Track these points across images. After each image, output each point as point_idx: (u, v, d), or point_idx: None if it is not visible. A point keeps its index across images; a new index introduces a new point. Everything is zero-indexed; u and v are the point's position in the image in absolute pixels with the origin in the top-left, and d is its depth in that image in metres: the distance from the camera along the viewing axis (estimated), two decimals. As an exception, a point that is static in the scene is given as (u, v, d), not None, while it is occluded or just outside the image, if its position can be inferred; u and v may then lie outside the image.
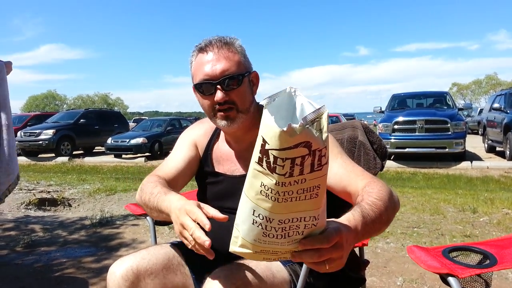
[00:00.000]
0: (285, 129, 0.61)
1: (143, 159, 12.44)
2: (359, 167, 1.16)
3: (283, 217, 0.70)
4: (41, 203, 5.20)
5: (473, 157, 10.26)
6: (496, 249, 1.09)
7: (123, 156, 13.06)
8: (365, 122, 1.72)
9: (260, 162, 0.66)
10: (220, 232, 1.28)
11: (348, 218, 0.85)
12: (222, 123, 1.21)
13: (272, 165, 0.64)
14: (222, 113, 1.19)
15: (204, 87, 1.19)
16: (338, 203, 1.13)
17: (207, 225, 0.86)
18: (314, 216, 0.71)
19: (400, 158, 9.65)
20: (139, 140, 12.85)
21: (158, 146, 13.36)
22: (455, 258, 1.05)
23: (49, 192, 5.99)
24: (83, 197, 5.69)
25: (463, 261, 1.03)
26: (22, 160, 13.09)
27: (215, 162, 1.35)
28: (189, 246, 0.92)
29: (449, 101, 10.91)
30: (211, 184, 1.34)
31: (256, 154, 0.67)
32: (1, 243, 3.56)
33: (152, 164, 11.26)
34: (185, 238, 0.92)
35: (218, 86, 1.17)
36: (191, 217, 0.90)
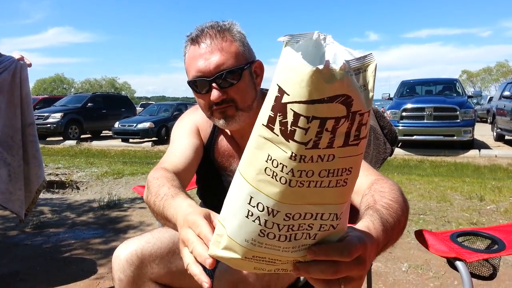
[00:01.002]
0: (321, 67, 0.41)
1: (150, 143, 12.49)
2: (365, 163, 1.02)
3: (293, 210, 0.49)
4: (50, 186, 5.24)
5: (482, 145, 10.18)
6: (505, 234, 1.09)
7: (130, 140, 13.13)
8: (375, 107, 1.70)
9: (270, 124, 0.46)
10: None
11: (369, 227, 0.66)
12: (220, 122, 1.10)
13: (289, 128, 0.44)
14: (219, 111, 1.08)
15: (198, 84, 1.07)
16: None
17: (203, 253, 0.62)
18: (336, 213, 0.51)
19: (407, 145, 9.60)
20: (146, 124, 12.89)
21: (165, 130, 13.40)
22: (463, 243, 1.05)
23: (57, 175, 6.04)
24: (91, 180, 5.74)
25: (471, 246, 1.03)
26: (31, 143, 13.19)
27: (219, 156, 1.26)
28: (186, 267, 0.67)
29: (458, 88, 10.78)
30: (214, 179, 1.28)
31: (265, 114, 0.47)
32: (10, 224, 3.62)
33: (159, 149, 11.31)
34: (183, 256, 0.68)
35: (214, 84, 1.04)
36: (194, 230, 0.68)
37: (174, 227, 0.80)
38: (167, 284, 1.16)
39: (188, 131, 1.24)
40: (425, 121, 9.25)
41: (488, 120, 15.70)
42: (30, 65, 2.23)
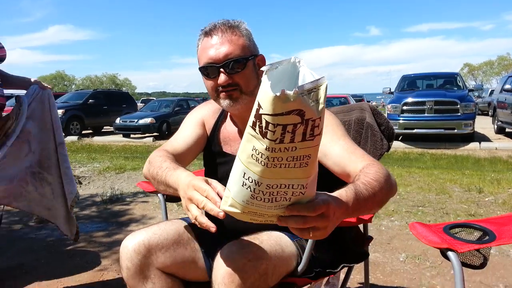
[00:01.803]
0: (278, 94, 0.61)
1: (151, 139, 12.54)
2: (361, 150, 1.18)
3: (271, 182, 0.71)
4: (53, 181, 5.30)
5: (482, 138, 10.20)
6: (496, 226, 1.12)
7: (132, 136, 13.17)
8: (374, 103, 1.73)
9: (253, 126, 0.67)
10: None
11: (340, 193, 0.89)
12: (225, 102, 1.24)
13: (264, 130, 0.65)
14: (224, 93, 1.23)
15: (209, 70, 1.22)
16: (337, 183, 1.16)
17: (218, 202, 0.88)
18: (303, 184, 0.73)
19: (408, 139, 9.63)
20: (147, 120, 12.92)
21: (166, 126, 13.43)
22: (455, 234, 1.08)
23: (60, 170, 6.10)
24: (93, 175, 5.79)
25: (462, 237, 1.07)
26: (33, 138, 13.25)
27: (222, 142, 1.38)
28: (192, 220, 0.95)
29: (459, 82, 10.78)
30: (219, 164, 1.37)
31: (251, 118, 0.68)
32: (14, 218, 3.67)
33: (160, 144, 11.35)
34: (190, 211, 0.95)
35: (222, 69, 1.20)
36: (201, 193, 0.93)
37: (174, 191, 1.09)
38: (172, 274, 1.21)
39: (194, 122, 1.42)
40: (426, 114, 9.27)
41: (489, 113, 15.70)
42: (51, 88, 2.38)
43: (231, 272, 0.99)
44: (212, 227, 0.92)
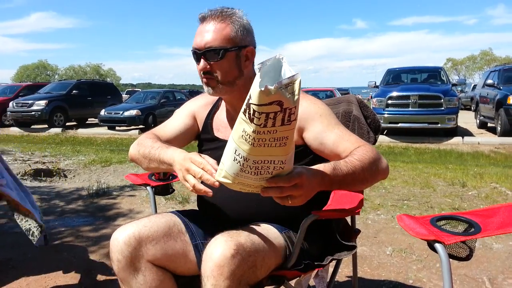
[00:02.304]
0: (262, 89, 0.75)
1: (137, 131, 12.42)
2: (355, 136, 1.25)
3: (257, 159, 0.86)
4: (37, 174, 5.22)
5: (465, 132, 10.39)
6: (481, 218, 1.15)
7: (117, 128, 13.03)
8: (360, 97, 1.75)
9: (244, 112, 0.81)
10: (223, 201, 1.33)
11: (318, 166, 1.03)
12: (205, 89, 1.31)
13: (251, 116, 0.80)
14: (204, 80, 1.29)
15: (193, 55, 1.28)
16: None
17: (213, 173, 1.01)
18: (282, 160, 0.88)
19: (392, 133, 9.74)
20: (133, 112, 12.79)
21: (152, 118, 13.32)
22: (442, 226, 1.11)
23: (44, 163, 6.00)
24: (78, 168, 5.72)
25: (449, 229, 1.09)
26: (15, 130, 13.01)
27: (215, 130, 1.43)
28: (190, 189, 1.08)
29: (443, 76, 10.94)
30: (212, 150, 1.40)
31: (244, 105, 0.81)
32: (-1, 212, 3.61)
33: (146, 137, 11.25)
34: (188, 181, 1.08)
35: (202, 57, 1.25)
36: (197, 165, 1.06)
37: (168, 167, 1.21)
38: (163, 266, 1.21)
39: (185, 113, 1.48)
40: (410, 109, 9.39)
41: (472, 108, 15.97)
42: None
43: (219, 264, 1.00)
44: (209, 191, 1.05)
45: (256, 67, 0.83)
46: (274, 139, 0.82)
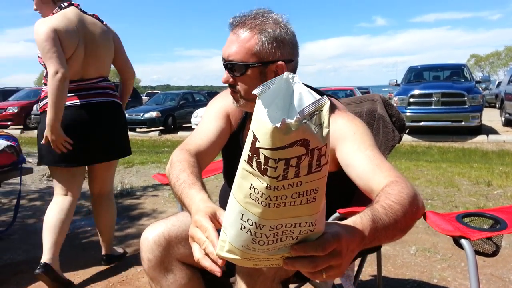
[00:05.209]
0: (278, 125, 0.52)
1: (157, 132, 12.60)
2: (387, 164, 1.05)
3: (276, 223, 0.62)
4: (63, 175, 5.36)
5: (490, 130, 10.15)
6: (507, 215, 1.15)
7: (138, 130, 13.25)
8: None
9: (249, 161, 0.57)
10: None
11: (355, 222, 0.77)
12: (233, 102, 1.23)
13: (263, 167, 0.56)
14: (230, 92, 1.22)
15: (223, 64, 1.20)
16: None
17: (214, 252, 0.74)
18: (311, 221, 0.63)
19: (415, 132, 9.60)
20: (153, 114, 12.99)
21: (171, 120, 13.49)
22: (467, 223, 1.11)
23: (69, 164, 6.16)
24: (102, 169, 5.85)
25: (475, 225, 1.09)
26: (41, 134, 13.36)
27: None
28: (196, 259, 0.81)
29: (466, 73, 10.73)
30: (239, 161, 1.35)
31: (245, 152, 0.58)
32: (28, 212, 3.73)
33: (166, 138, 11.41)
34: (193, 251, 0.82)
35: (226, 68, 1.17)
36: (202, 232, 0.80)
37: (189, 214, 0.95)
38: (191, 264, 1.23)
39: (217, 114, 1.33)
40: (433, 107, 9.25)
41: (497, 105, 15.59)
42: None
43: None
44: (217, 271, 0.77)
45: (255, 92, 0.58)
46: (299, 194, 0.58)
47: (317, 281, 1.26)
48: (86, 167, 2.37)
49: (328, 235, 0.67)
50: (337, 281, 1.78)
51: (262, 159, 0.55)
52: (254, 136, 0.55)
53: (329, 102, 0.56)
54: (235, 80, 1.17)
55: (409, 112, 9.34)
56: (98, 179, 2.41)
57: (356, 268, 1.63)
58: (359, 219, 0.78)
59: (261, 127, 0.53)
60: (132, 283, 2.27)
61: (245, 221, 0.62)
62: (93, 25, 2.21)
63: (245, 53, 1.12)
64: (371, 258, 2.17)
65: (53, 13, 2.14)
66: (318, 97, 0.56)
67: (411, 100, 9.44)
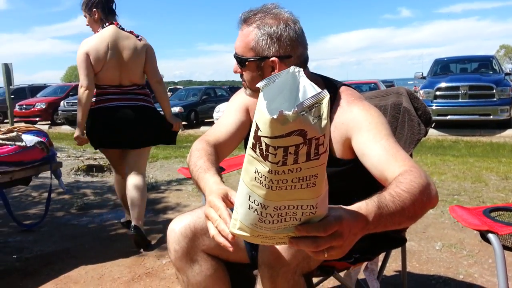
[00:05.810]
0: (275, 116, 0.57)
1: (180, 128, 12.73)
2: (403, 153, 1.05)
3: (278, 204, 0.67)
4: (89, 169, 5.49)
5: (520, 124, 9.83)
6: (538, 210, 1.12)
7: (162, 125, 13.41)
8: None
9: (253, 148, 0.63)
10: None
11: (360, 207, 0.80)
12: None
13: (264, 153, 0.61)
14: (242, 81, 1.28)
15: None
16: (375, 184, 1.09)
17: (228, 222, 0.81)
18: (312, 204, 0.68)
19: (441, 125, 9.39)
20: (176, 109, 13.11)
21: (194, 115, 13.60)
22: (495, 217, 1.09)
23: (95, 159, 6.31)
24: (127, 164, 5.97)
25: (503, 220, 1.07)
26: (67, 129, 13.70)
27: None
28: (211, 236, 0.89)
29: (495, 65, 10.40)
30: None
31: (250, 139, 0.64)
32: (57, 205, 3.85)
33: (189, 133, 11.53)
34: (209, 229, 0.90)
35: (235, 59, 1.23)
36: (215, 211, 0.88)
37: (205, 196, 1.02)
38: (216, 255, 1.26)
39: (237, 108, 1.40)
40: (460, 100, 9.02)
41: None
42: None
43: (277, 254, 1.04)
44: (229, 247, 0.84)
45: (258, 85, 0.64)
46: (299, 179, 0.64)
47: (341, 275, 1.26)
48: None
49: (330, 217, 0.72)
50: (361, 276, 1.78)
51: (263, 146, 0.61)
52: (257, 125, 0.61)
53: (328, 96, 0.60)
54: (241, 71, 1.24)
55: (436, 106, 9.13)
56: (131, 164, 2.80)
57: (380, 263, 1.62)
58: (364, 205, 0.81)
59: (262, 117, 0.59)
60: (158, 275, 2.32)
61: (252, 202, 0.69)
62: (126, 39, 2.66)
63: (244, 48, 1.18)
64: (396, 253, 2.15)
65: (98, 31, 2.67)
66: (320, 90, 0.61)
67: (438, 93, 9.23)
